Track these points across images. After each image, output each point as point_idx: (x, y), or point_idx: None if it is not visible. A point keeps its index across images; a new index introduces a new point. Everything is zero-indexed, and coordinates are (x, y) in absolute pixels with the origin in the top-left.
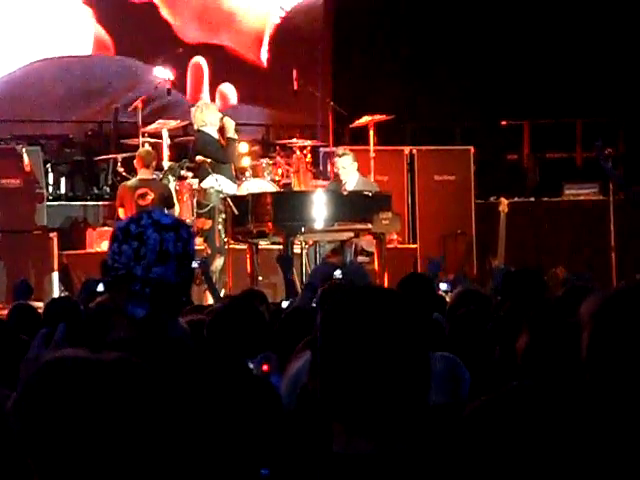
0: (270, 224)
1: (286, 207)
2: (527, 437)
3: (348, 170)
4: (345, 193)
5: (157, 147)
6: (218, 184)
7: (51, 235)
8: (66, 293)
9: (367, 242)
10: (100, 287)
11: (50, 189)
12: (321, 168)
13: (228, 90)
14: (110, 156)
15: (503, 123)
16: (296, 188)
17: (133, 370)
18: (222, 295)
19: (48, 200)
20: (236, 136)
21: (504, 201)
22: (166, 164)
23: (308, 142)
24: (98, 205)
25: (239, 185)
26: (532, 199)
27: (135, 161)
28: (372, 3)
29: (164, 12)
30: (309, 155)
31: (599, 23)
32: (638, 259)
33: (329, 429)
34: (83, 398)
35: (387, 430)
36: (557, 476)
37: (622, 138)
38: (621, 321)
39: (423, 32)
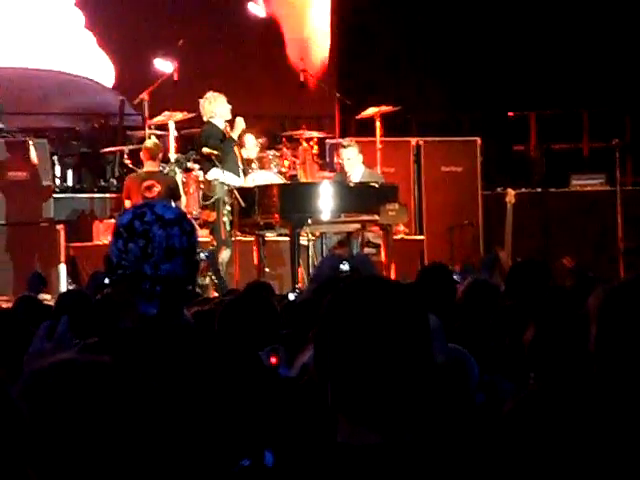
0: (277, 216)
1: (293, 199)
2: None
3: (353, 161)
4: (352, 184)
5: (163, 139)
6: (224, 176)
7: (58, 227)
8: (73, 285)
9: (373, 234)
10: (107, 280)
11: (57, 181)
12: (327, 160)
13: None
14: (117, 148)
15: (510, 114)
16: (302, 180)
17: (109, 373)
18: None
19: (55, 192)
20: (236, 137)
21: (511, 192)
22: (173, 156)
23: (314, 134)
24: (105, 197)
25: (246, 176)
26: (539, 190)
27: (142, 153)
28: None
29: None
30: (315, 147)
31: (605, 13)
32: None
33: (333, 420)
34: (72, 402)
35: (390, 421)
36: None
37: (629, 128)
38: (628, 313)
39: (430, 23)
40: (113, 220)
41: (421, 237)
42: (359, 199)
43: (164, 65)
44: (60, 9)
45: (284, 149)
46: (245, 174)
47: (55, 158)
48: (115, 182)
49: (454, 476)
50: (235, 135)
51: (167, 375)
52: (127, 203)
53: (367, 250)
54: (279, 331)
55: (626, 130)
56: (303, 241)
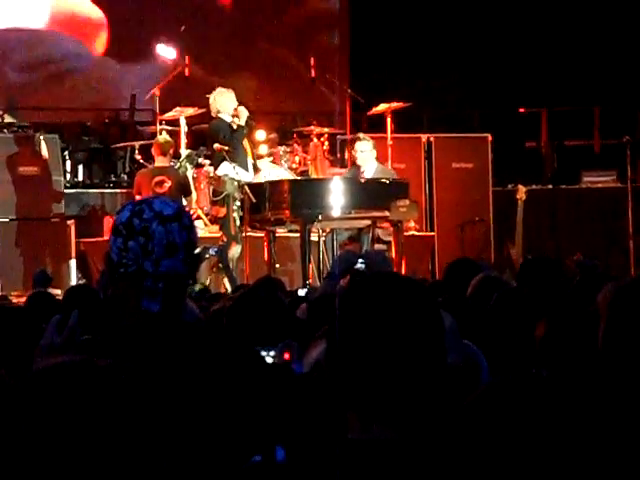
0: (287, 212)
1: (303, 195)
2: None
3: (366, 155)
4: (362, 180)
5: (175, 135)
6: (235, 172)
7: (69, 223)
8: (83, 280)
9: (383, 231)
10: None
11: (68, 177)
12: (338, 156)
13: None
14: (127, 143)
15: (521, 110)
16: (313, 176)
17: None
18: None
19: (66, 188)
20: (243, 124)
21: (522, 189)
22: (183, 152)
23: (325, 130)
24: (116, 192)
25: (257, 173)
26: (550, 187)
27: (152, 148)
28: None
29: None
30: (326, 143)
31: (616, 10)
32: None
33: (345, 416)
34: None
35: (401, 417)
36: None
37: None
38: (638, 310)
39: (440, 19)
40: None
41: (432, 233)
42: (370, 195)
43: (167, 51)
44: None
45: (295, 145)
46: (255, 169)
47: (66, 153)
48: (126, 177)
49: (464, 471)
50: (242, 122)
51: (173, 372)
52: (138, 199)
53: (377, 246)
54: (288, 327)
55: (637, 127)
56: (313, 237)
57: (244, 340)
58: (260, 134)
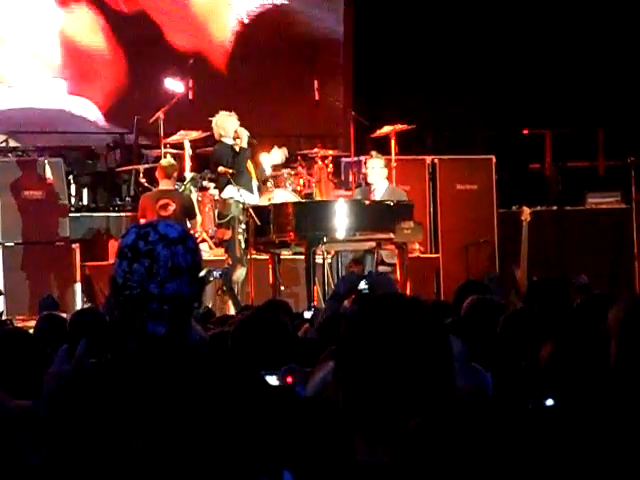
0: (292, 234)
1: (308, 217)
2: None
3: (376, 172)
4: (367, 202)
5: (179, 158)
6: (239, 195)
7: (74, 246)
8: (89, 304)
9: (388, 253)
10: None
11: (72, 200)
12: (343, 178)
13: None
14: (132, 167)
15: (525, 132)
16: (318, 198)
17: None
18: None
19: (70, 211)
20: (245, 145)
21: (526, 210)
22: (188, 175)
23: (330, 152)
24: (121, 216)
25: (262, 195)
26: (554, 208)
27: (157, 172)
28: (393, 13)
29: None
30: (331, 165)
31: (620, 32)
32: None
33: (352, 438)
34: None
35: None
36: None
37: None
38: None
39: (444, 41)
40: None
41: (436, 255)
42: (374, 217)
43: (175, 85)
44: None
45: (299, 167)
46: (260, 191)
47: (71, 177)
48: (130, 201)
49: None
50: (244, 144)
51: (179, 395)
52: (142, 222)
53: (382, 268)
54: (291, 349)
55: None
56: (318, 259)
57: (248, 363)
58: (276, 155)
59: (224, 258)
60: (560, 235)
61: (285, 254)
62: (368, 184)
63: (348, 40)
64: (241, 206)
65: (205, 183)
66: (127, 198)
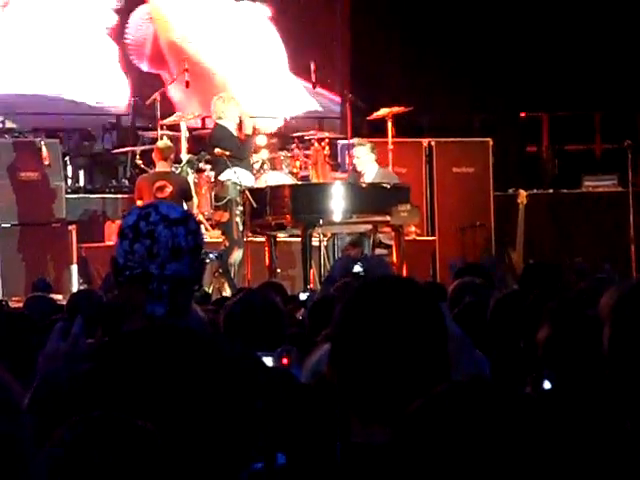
0: (288, 216)
1: (304, 199)
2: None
3: (363, 160)
4: (363, 185)
5: (175, 140)
6: (236, 176)
7: (70, 228)
8: (85, 286)
9: (385, 235)
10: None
11: (69, 182)
12: (339, 160)
13: None
14: (128, 149)
15: (522, 115)
16: (314, 180)
17: None
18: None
19: (67, 193)
20: (250, 132)
21: (523, 193)
22: (184, 157)
23: (326, 134)
24: (117, 198)
25: (257, 178)
26: (551, 191)
27: (153, 154)
28: None
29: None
30: (327, 147)
31: (617, 15)
32: None
33: (347, 420)
34: None
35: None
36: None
37: None
38: None
39: (441, 24)
40: None
41: (433, 238)
42: (371, 200)
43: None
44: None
45: (296, 150)
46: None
47: (67, 158)
48: (127, 182)
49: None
50: (249, 131)
51: (175, 376)
52: (139, 204)
53: (379, 251)
54: (285, 331)
55: (638, 131)
56: (315, 242)
57: (242, 344)
58: (261, 139)
59: (221, 240)
60: (556, 218)
61: (281, 236)
62: (357, 171)
63: (345, 22)
64: (238, 188)
65: (202, 165)
66: (123, 180)
